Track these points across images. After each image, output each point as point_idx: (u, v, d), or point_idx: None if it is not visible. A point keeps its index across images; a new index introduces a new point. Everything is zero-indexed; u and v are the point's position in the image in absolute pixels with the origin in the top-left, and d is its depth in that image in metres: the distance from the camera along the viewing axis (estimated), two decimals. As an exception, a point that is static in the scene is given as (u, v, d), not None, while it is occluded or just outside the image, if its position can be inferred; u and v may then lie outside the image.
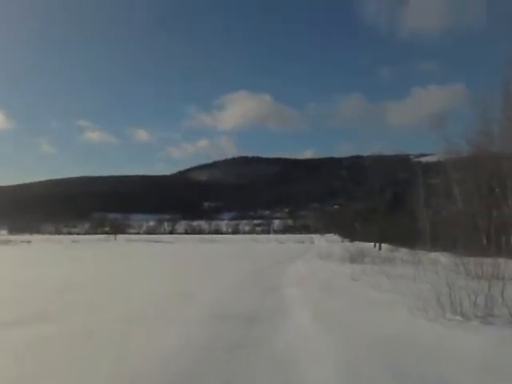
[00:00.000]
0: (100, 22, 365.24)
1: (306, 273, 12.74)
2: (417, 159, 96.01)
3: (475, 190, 24.22)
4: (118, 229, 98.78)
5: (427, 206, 32.83)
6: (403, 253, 23.56)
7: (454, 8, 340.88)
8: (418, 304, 5.83)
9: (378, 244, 37.59)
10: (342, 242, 61.09)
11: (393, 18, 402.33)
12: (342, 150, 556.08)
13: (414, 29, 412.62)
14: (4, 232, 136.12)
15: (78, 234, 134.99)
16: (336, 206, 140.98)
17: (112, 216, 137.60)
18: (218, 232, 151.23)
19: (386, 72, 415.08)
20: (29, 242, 57.96)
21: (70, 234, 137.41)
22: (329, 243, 58.71)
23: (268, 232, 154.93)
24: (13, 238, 72.89)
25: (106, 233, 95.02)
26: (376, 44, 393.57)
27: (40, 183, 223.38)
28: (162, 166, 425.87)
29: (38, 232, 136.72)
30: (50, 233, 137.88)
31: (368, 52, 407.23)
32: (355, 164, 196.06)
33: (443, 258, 18.70)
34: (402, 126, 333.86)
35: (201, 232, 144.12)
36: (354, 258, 17.37)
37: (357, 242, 46.61)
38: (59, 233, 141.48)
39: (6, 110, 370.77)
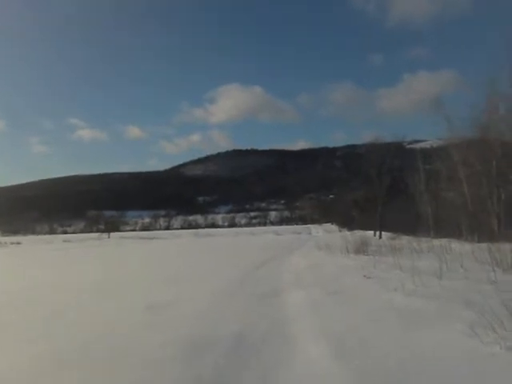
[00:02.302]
0: (88, 18, 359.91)
1: (308, 268, 11.13)
2: (410, 146, 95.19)
3: (483, 171, 22.81)
4: (113, 226, 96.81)
5: (428, 191, 31.65)
6: (406, 240, 22.13)
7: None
8: (473, 317, 4.06)
9: (378, 232, 36.43)
10: (340, 231, 59.57)
11: (382, 3, 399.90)
12: (336, 139, 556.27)
13: (403, 14, 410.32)
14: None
15: (74, 232, 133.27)
16: (332, 196, 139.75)
17: (107, 214, 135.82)
18: (214, 226, 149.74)
19: (377, 59, 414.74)
20: (18, 243, 56.13)
21: (65, 233, 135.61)
22: (326, 233, 57.23)
23: (265, 224, 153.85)
24: (3, 239, 70.89)
25: (101, 231, 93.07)
26: (366, 31, 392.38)
27: (33, 183, 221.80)
28: (155, 162, 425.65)
29: (33, 233, 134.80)
30: (45, 233, 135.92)
31: (358, 39, 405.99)
32: (349, 153, 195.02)
33: (453, 244, 17.28)
34: (395, 112, 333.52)
35: (197, 226, 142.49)
36: (358, 249, 15.86)
37: (356, 231, 45.24)
38: (53, 232, 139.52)
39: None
